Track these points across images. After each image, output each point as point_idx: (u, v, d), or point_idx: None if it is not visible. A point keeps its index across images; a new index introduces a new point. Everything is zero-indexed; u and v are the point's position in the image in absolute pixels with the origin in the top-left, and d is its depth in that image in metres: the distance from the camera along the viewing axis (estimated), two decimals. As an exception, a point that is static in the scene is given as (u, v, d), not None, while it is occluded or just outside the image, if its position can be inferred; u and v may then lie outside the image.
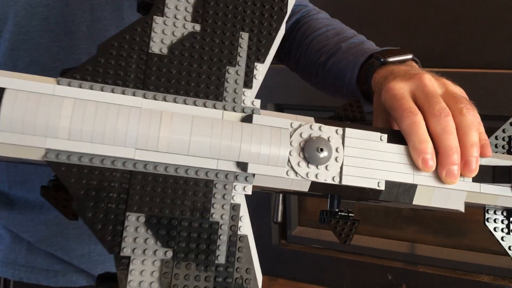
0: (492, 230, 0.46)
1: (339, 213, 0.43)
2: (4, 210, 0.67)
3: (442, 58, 1.34)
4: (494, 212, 0.47)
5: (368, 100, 0.58)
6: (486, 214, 0.46)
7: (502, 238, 0.46)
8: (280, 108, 1.61)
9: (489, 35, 1.30)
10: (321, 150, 0.39)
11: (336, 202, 0.43)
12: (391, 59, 0.52)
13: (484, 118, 0.46)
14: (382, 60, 0.52)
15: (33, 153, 0.34)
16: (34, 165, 0.63)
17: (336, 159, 0.40)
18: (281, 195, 1.49)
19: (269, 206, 1.66)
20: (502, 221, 0.46)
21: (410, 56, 0.52)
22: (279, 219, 1.62)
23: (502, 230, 0.46)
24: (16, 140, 0.33)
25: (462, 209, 0.44)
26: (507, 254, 0.46)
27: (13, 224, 0.68)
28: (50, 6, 0.57)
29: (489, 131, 0.46)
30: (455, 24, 1.33)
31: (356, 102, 0.45)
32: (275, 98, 1.57)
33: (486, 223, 0.46)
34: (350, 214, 0.43)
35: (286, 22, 0.72)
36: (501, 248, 0.46)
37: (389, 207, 1.63)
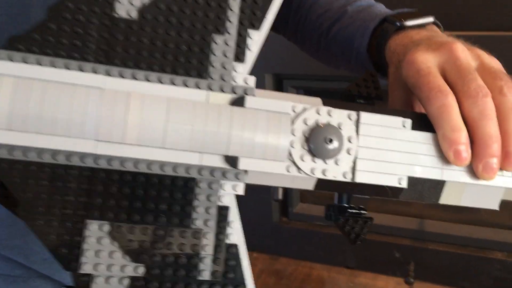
0: None
1: (349, 210, 0.37)
2: None
3: (461, 20, 1.25)
4: None
5: (382, 73, 0.50)
6: None
7: None
8: (279, 79, 1.52)
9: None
10: (330, 141, 0.32)
11: (346, 197, 0.37)
12: (409, 23, 0.44)
13: None
14: (398, 24, 0.44)
15: None
16: None
17: (348, 151, 0.33)
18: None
19: (269, 182, 1.60)
20: None
21: (431, 19, 0.45)
22: (280, 196, 1.56)
23: None
24: None
25: (497, 208, 0.37)
26: None
27: None
28: None
29: None
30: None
31: (371, 76, 0.38)
32: (274, 68, 1.48)
33: None
34: (362, 212, 0.37)
35: None
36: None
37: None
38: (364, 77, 0.38)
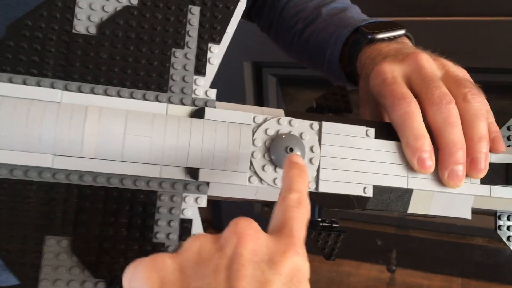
0: (505, 239, 0.40)
1: (321, 224, 0.37)
2: None
3: (432, 5, 1.24)
4: (508, 218, 0.40)
5: (354, 83, 0.49)
6: (498, 221, 0.40)
7: None
8: (259, 66, 1.50)
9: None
10: (291, 150, 0.33)
11: (317, 211, 0.37)
12: (380, 36, 0.44)
13: (483, 71, 0.37)
14: (369, 36, 0.44)
15: None
16: None
17: (310, 160, 0.34)
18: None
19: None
20: None
21: (402, 32, 0.45)
22: (261, 187, 1.54)
23: None
24: None
25: (469, 217, 0.38)
26: None
27: None
28: None
29: (491, 85, 0.38)
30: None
31: (340, 90, 0.38)
32: (252, 56, 1.45)
33: (498, 231, 0.40)
34: (334, 225, 0.37)
35: None
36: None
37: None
38: (333, 91, 0.38)
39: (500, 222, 0.40)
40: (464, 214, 0.38)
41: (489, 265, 1.46)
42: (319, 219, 0.36)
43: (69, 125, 0.29)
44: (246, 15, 0.66)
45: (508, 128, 0.41)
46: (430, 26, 1.20)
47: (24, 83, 0.29)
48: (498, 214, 0.40)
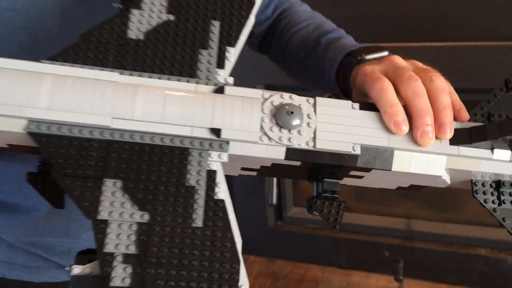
0: (482, 202, 0.44)
1: (323, 194, 0.43)
2: None
3: (422, 32, 1.33)
4: (482, 185, 0.45)
5: (348, 97, 0.58)
6: (474, 186, 0.45)
7: (494, 209, 0.45)
8: (271, 89, 1.59)
9: (470, 8, 1.28)
10: (292, 113, 0.40)
11: (321, 185, 0.44)
12: (368, 57, 0.52)
13: (467, 91, 0.46)
14: (359, 58, 0.53)
15: (16, 125, 0.36)
16: (7, 162, 0.62)
17: (308, 124, 0.40)
18: (274, 178, 1.48)
19: (263, 188, 1.66)
20: (491, 193, 0.45)
21: (386, 53, 0.52)
22: (274, 201, 1.62)
23: (493, 201, 0.45)
24: (4, 111, 0.36)
25: (443, 174, 0.43)
26: (502, 226, 0.45)
27: None
28: (17, 10, 0.55)
29: (473, 106, 0.46)
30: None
31: (334, 95, 0.45)
32: (265, 79, 1.55)
33: (475, 195, 0.45)
34: (335, 195, 0.43)
35: (273, 12, 0.72)
36: (495, 220, 0.45)
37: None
38: (329, 95, 0.45)
39: (476, 187, 0.45)
40: (440, 172, 0.43)
41: (491, 274, 1.48)
42: (322, 191, 0.43)
43: (124, 95, 0.38)
44: (257, 48, 0.76)
45: (474, 114, 0.46)
46: (424, 51, 1.29)
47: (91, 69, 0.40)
48: (473, 180, 0.45)
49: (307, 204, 0.45)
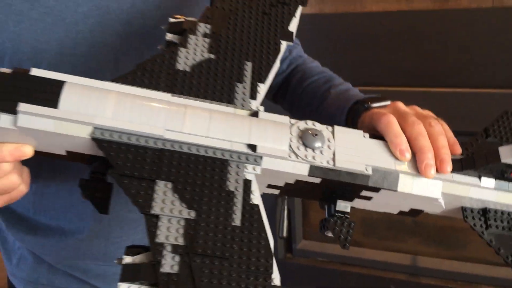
0: (472, 225, 0.51)
1: (336, 214, 0.49)
2: (29, 235, 0.74)
3: (422, 77, 1.40)
4: (471, 211, 0.52)
5: None
6: (464, 212, 0.52)
7: (482, 232, 0.51)
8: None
9: (470, 57, 1.36)
10: (316, 135, 0.46)
11: (333, 207, 0.50)
12: (373, 105, 0.60)
13: (463, 133, 0.55)
14: (366, 106, 0.60)
15: (83, 131, 0.42)
16: (60, 182, 0.69)
17: (328, 146, 0.47)
18: (285, 211, 1.54)
19: (274, 221, 1.71)
20: (479, 218, 0.51)
21: (389, 102, 0.60)
22: (285, 234, 1.67)
23: (480, 225, 0.51)
24: (73, 116, 0.41)
25: (439, 197, 0.49)
26: (500, 257, 0.51)
27: (36, 247, 0.75)
28: (77, 55, 0.63)
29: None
30: (440, 47, 1.39)
31: None
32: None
33: (466, 219, 0.51)
34: (346, 215, 0.50)
35: (287, 67, 0.80)
36: (498, 259, 0.51)
37: (391, 219, 1.68)
38: None
39: (466, 213, 0.52)
40: (437, 195, 0.49)
41: (494, 311, 1.51)
42: (335, 211, 0.50)
43: (176, 111, 0.44)
44: (272, 98, 0.84)
45: (466, 149, 0.54)
46: (427, 95, 1.36)
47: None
48: (463, 208, 0.52)
49: (320, 225, 0.51)
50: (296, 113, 0.81)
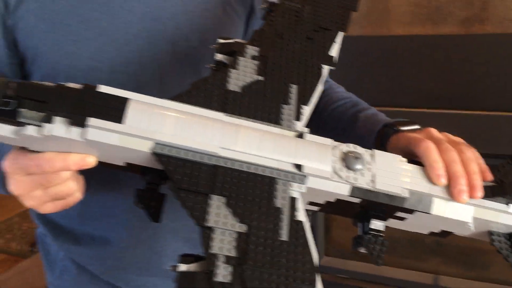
0: (498, 249, 0.54)
1: (370, 232, 0.51)
2: (74, 245, 0.78)
3: (446, 100, 1.43)
4: (498, 235, 0.54)
5: None
6: (492, 236, 0.54)
7: (507, 256, 0.53)
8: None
9: (495, 80, 1.38)
10: (357, 158, 0.49)
11: (366, 225, 0.51)
12: (402, 128, 0.62)
13: (501, 157, 0.56)
14: (395, 129, 0.63)
15: (145, 145, 0.45)
16: (119, 195, 0.72)
17: (369, 169, 0.49)
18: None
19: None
20: (505, 243, 0.54)
21: (417, 126, 0.62)
22: (307, 250, 1.70)
23: (506, 249, 0.53)
24: (136, 131, 0.44)
25: (470, 221, 0.52)
26: None
27: (81, 257, 0.78)
28: (127, 73, 0.69)
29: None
30: (465, 71, 1.42)
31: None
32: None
33: (492, 243, 0.54)
34: (380, 234, 0.51)
35: None
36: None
37: (413, 237, 1.69)
38: None
39: (493, 237, 0.54)
40: (468, 219, 0.52)
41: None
42: (369, 229, 0.52)
43: (229, 130, 0.46)
44: None
45: (494, 175, 0.56)
46: (453, 117, 1.39)
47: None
48: (490, 231, 0.55)
49: (353, 241, 0.52)
50: (322, 136, 0.84)
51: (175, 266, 0.41)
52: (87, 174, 0.53)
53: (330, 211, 0.54)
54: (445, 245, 1.67)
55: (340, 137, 0.79)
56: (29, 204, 0.53)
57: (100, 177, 0.71)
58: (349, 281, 1.77)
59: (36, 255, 2.07)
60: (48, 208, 0.53)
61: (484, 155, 0.57)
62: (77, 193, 0.53)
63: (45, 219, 0.80)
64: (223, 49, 0.56)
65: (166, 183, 0.48)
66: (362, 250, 0.51)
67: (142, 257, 0.77)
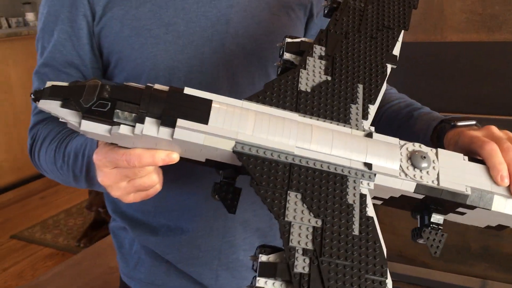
0: None
1: (431, 225, 0.54)
2: (150, 236, 0.82)
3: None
4: None
5: None
6: None
7: None
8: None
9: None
10: (424, 157, 0.51)
11: (426, 218, 0.54)
12: (460, 123, 0.64)
13: None
14: (452, 124, 0.65)
15: (227, 144, 0.47)
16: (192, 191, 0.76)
17: (433, 167, 0.51)
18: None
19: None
20: None
21: (474, 122, 0.64)
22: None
23: None
24: (221, 132, 0.47)
25: None
26: None
27: (158, 247, 0.82)
28: (203, 73, 0.74)
29: None
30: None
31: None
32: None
33: None
34: (440, 227, 0.54)
35: None
36: None
37: (458, 244, 1.70)
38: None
39: None
40: None
41: None
42: (430, 222, 0.53)
43: (304, 131, 0.48)
44: None
45: None
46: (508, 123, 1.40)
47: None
48: None
49: (412, 233, 0.55)
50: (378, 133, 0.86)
51: (255, 256, 0.44)
52: (163, 170, 0.57)
53: (392, 204, 0.56)
54: (492, 252, 1.68)
55: (394, 134, 0.80)
56: (115, 194, 0.57)
57: (175, 173, 0.74)
58: (395, 283, 1.79)
59: (84, 250, 2.14)
60: (131, 198, 0.57)
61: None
62: (158, 185, 0.57)
63: (122, 213, 0.85)
64: (291, 48, 0.58)
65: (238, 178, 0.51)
66: (421, 241, 0.54)
67: (214, 246, 0.81)
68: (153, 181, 0.55)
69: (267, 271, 0.42)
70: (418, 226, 0.55)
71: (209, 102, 0.48)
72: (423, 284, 1.74)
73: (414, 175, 0.50)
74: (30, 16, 3.68)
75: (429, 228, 0.53)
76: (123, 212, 0.85)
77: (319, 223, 0.44)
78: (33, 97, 0.47)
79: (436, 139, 0.67)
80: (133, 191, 0.56)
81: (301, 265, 0.42)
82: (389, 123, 0.79)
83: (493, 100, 1.47)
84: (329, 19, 0.62)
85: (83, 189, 0.81)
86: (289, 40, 0.58)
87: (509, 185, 0.53)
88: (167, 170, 0.66)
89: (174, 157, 0.50)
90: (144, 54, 0.73)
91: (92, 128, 0.47)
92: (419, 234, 0.54)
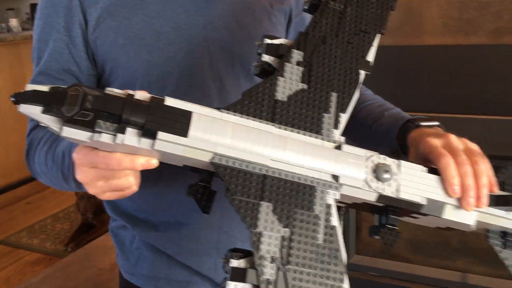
0: (493, 246, 0.61)
1: (387, 225, 0.57)
2: (151, 232, 0.86)
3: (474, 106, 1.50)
4: (493, 233, 0.62)
5: (404, 151, 0.75)
6: (487, 233, 0.62)
7: (500, 251, 0.61)
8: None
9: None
10: (386, 171, 0.54)
11: (384, 218, 0.58)
12: (423, 123, 0.69)
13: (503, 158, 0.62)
14: (416, 123, 0.70)
15: (205, 156, 0.49)
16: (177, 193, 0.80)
17: (395, 179, 0.54)
18: (341, 228, 1.62)
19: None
20: (499, 240, 0.62)
21: (437, 123, 0.70)
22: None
23: (499, 246, 0.61)
24: (200, 145, 0.48)
25: (473, 224, 0.58)
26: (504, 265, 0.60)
27: (158, 242, 0.86)
28: (193, 77, 0.78)
29: None
30: (494, 79, 1.50)
31: (395, 151, 0.60)
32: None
33: (488, 239, 0.62)
34: (395, 227, 0.58)
35: None
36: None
37: (438, 239, 1.76)
38: (391, 151, 0.60)
39: (489, 234, 0.62)
40: (472, 222, 0.57)
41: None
42: (386, 222, 0.57)
43: (278, 144, 0.50)
44: None
45: (497, 176, 0.61)
46: (482, 122, 1.47)
47: (253, 120, 0.52)
48: (487, 229, 0.61)
49: (369, 230, 0.59)
50: (351, 132, 0.90)
51: (226, 259, 0.47)
52: (157, 172, 0.59)
53: (354, 208, 0.61)
54: (471, 246, 1.73)
55: (367, 132, 0.87)
56: (91, 191, 0.58)
57: (171, 173, 0.79)
58: (379, 278, 1.83)
59: (73, 253, 2.15)
60: (107, 196, 0.59)
61: (496, 157, 0.63)
62: (134, 187, 0.58)
63: (122, 212, 0.89)
64: (270, 50, 0.58)
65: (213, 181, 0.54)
66: (377, 237, 0.58)
67: (212, 238, 0.85)
68: (130, 183, 0.57)
69: (237, 276, 0.45)
70: (376, 224, 0.59)
71: (189, 114, 0.49)
72: (406, 279, 1.79)
73: (377, 187, 0.53)
74: (13, 22, 3.66)
75: (386, 228, 0.57)
76: (123, 211, 0.89)
77: (287, 233, 0.47)
78: (13, 99, 0.47)
79: (401, 139, 0.71)
80: (109, 190, 0.57)
81: (269, 272, 0.45)
82: (363, 122, 0.84)
83: (468, 100, 1.53)
84: (304, 14, 0.63)
85: (71, 193, 0.84)
86: (268, 41, 0.58)
87: (461, 198, 0.57)
88: (162, 173, 0.68)
89: (153, 163, 0.52)
90: (138, 61, 0.77)
91: (73, 134, 0.48)
92: (375, 232, 0.58)
